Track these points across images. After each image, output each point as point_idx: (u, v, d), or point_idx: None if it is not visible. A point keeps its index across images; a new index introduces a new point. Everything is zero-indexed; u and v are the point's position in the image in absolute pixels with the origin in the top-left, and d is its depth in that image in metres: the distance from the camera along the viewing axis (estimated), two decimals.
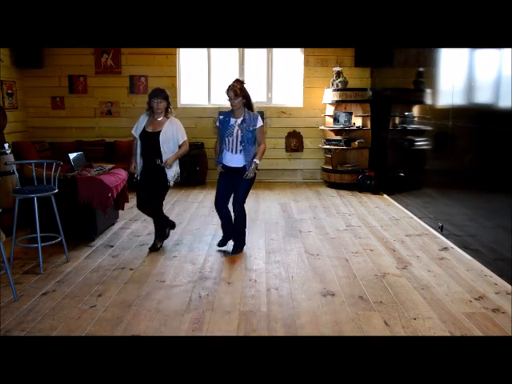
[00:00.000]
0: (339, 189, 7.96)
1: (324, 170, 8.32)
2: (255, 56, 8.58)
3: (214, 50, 8.49)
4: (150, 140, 4.44)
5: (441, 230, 5.15)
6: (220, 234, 4.87)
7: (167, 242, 5.00)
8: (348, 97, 7.97)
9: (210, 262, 4.44)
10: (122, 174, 5.55)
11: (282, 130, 8.55)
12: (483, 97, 4.41)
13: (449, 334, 3.07)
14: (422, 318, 3.28)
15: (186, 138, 4.57)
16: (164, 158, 4.44)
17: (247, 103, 4.37)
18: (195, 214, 6.29)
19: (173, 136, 4.47)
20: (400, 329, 3.13)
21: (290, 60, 8.60)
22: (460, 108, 4.81)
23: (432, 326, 3.18)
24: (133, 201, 6.76)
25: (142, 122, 4.51)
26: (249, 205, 6.76)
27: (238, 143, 4.36)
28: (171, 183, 4.58)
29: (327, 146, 8.16)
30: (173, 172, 4.58)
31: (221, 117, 4.47)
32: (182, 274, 4.13)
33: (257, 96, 8.60)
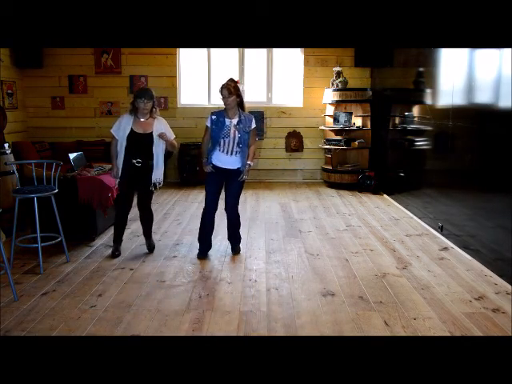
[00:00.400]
0: (339, 189, 7.96)
1: (324, 169, 8.32)
2: (255, 56, 8.58)
3: (213, 50, 8.49)
4: (141, 141, 4.34)
5: (441, 229, 5.15)
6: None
7: (167, 242, 5.01)
8: (348, 97, 7.97)
9: (210, 262, 4.44)
10: None
11: (282, 130, 8.55)
12: (483, 97, 4.41)
13: (449, 334, 3.07)
14: (421, 318, 3.28)
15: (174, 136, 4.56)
16: (155, 160, 4.39)
17: (240, 102, 4.30)
18: (195, 214, 6.28)
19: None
20: (400, 329, 3.13)
21: (290, 60, 8.60)
22: (460, 108, 4.80)
23: (432, 326, 3.18)
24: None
25: (127, 122, 4.35)
26: (249, 205, 6.77)
27: (235, 145, 4.28)
28: (153, 187, 4.49)
29: (327, 146, 8.16)
30: (158, 175, 4.47)
31: (213, 117, 4.32)
32: (182, 274, 4.13)
33: (257, 96, 8.62)
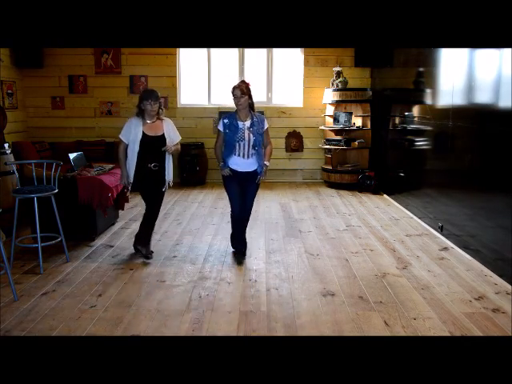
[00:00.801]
0: (339, 189, 7.96)
1: (324, 169, 8.32)
2: (255, 56, 8.58)
3: (213, 50, 8.49)
4: (155, 144, 4.27)
5: (441, 229, 5.15)
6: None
7: (167, 242, 5.01)
8: (348, 97, 7.97)
9: (210, 261, 4.44)
10: None
11: (282, 130, 8.55)
12: (483, 97, 4.41)
13: (449, 334, 3.07)
14: (421, 318, 3.28)
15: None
16: (167, 161, 4.37)
17: (251, 103, 4.27)
18: (195, 214, 6.28)
19: (170, 137, 4.39)
20: (400, 329, 3.13)
21: (290, 60, 8.60)
22: (460, 108, 4.80)
23: (432, 326, 3.18)
24: (133, 201, 6.79)
25: (137, 126, 4.25)
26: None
27: (251, 148, 4.23)
28: (166, 186, 4.46)
29: (327, 146, 8.16)
30: (170, 175, 4.45)
31: (225, 120, 4.23)
32: (182, 274, 4.13)
33: (257, 96, 8.60)
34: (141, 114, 4.30)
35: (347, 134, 8.06)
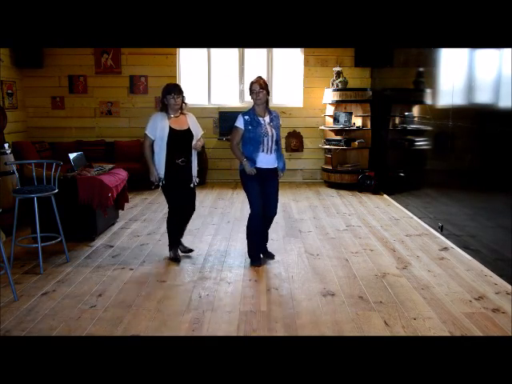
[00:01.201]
0: (339, 189, 7.96)
1: (324, 169, 8.32)
2: (255, 56, 8.58)
3: (213, 50, 8.49)
4: (182, 139, 4.22)
5: (441, 229, 5.15)
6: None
7: (167, 242, 5.00)
8: (348, 97, 7.97)
9: (210, 262, 4.44)
10: (122, 174, 5.54)
11: (282, 130, 8.40)
12: (483, 97, 4.41)
13: (449, 334, 3.07)
14: (421, 318, 3.28)
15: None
16: (193, 156, 4.32)
17: (268, 99, 4.25)
18: (195, 213, 6.27)
19: (195, 131, 4.34)
20: (400, 329, 3.13)
21: (290, 60, 8.60)
22: (460, 108, 4.80)
23: (432, 326, 3.18)
24: (133, 201, 6.79)
25: (163, 120, 4.17)
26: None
27: (273, 143, 4.20)
28: (195, 182, 4.40)
29: (327, 146, 8.16)
30: (195, 171, 4.39)
31: (246, 117, 4.16)
32: (182, 273, 4.13)
33: None
34: (164, 108, 4.24)
35: (347, 134, 8.06)
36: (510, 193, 3.83)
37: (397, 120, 6.92)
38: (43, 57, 8.20)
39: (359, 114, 8.09)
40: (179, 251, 4.54)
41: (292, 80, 8.64)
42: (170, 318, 3.29)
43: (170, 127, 4.18)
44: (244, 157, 4.18)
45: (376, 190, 7.61)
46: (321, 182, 8.59)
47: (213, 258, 4.52)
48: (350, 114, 8.01)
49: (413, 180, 6.29)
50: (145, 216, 6.12)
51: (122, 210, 5.80)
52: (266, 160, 4.21)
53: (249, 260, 4.45)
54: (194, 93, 8.62)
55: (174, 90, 4.17)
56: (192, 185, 4.38)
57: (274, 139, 4.20)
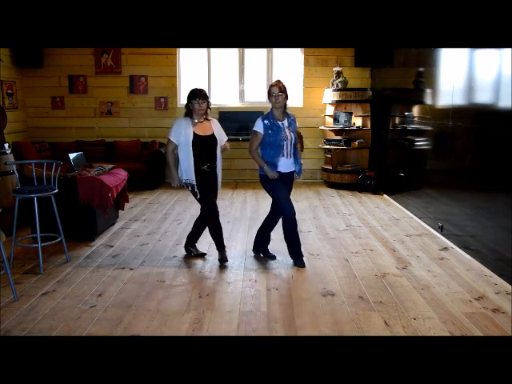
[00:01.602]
0: (339, 189, 7.96)
1: (324, 169, 8.32)
2: (255, 56, 8.58)
3: (214, 50, 8.49)
4: (206, 145, 4.19)
5: (441, 229, 5.15)
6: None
7: (167, 242, 5.01)
8: (348, 97, 7.97)
9: (210, 262, 4.44)
10: (122, 174, 5.55)
11: None
12: (483, 97, 4.41)
13: (449, 334, 3.07)
14: (422, 318, 3.28)
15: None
16: (218, 161, 4.28)
17: (286, 103, 4.22)
18: (195, 214, 6.26)
19: (219, 137, 4.31)
20: (400, 329, 3.13)
21: (290, 60, 8.60)
22: (460, 108, 4.80)
23: (432, 326, 3.18)
24: (133, 201, 6.79)
25: (187, 126, 4.15)
26: (249, 205, 6.77)
27: (292, 147, 4.19)
28: (219, 186, 4.38)
29: (327, 146, 8.16)
30: (220, 176, 4.36)
31: (266, 121, 4.13)
32: (182, 274, 4.13)
33: (257, 96, 8.61)
34: (189, 113, 4.22)
35: (347, 134, 8.06)
36: (510, 193, 3.83)
37: (397, 120, 6.92)
38: (43, 57, 8.20)
39: (359, 114, 8.09)
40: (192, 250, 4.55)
41: (292, 80, 8.63)
42: (169, 318, 3.29)
43: (194, 133, 4.15)
44: (264, 162, 4.15)
45: (376, 190, 7.61)
46: (321, 181, 8.59)
47: (213, 258, 4.52)
48: (350, 114, 8.01)
49: (413, 180, 6.29)
50: (145, 216, 6.12)
51: (122, 209, 5.80)
52: (285, 164, 4.20)
53: (249, 260, 4.45)
54: None
55: (200, 94, 4.15)
56: (219, 187, 4.37)
57: (293, 143, 4.20)
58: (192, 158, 4.12)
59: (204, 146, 4.18)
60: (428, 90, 5.74)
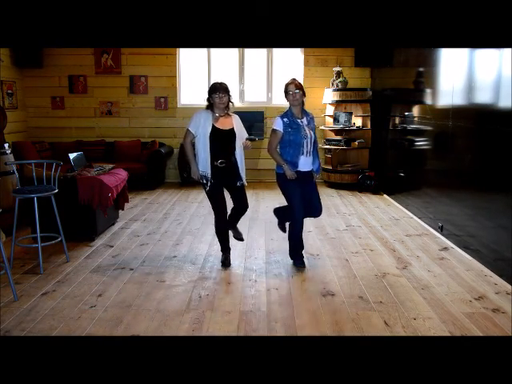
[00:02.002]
0: (339, 189, 7.96)
1: (324, 169, 8.32)
2: (255, 56, 8.58)
3: (213, 50, 8.49)
4: (224, 138, 4.12)
5: (441, 229, 5.15)
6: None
7: (167, 242, 5.01)
8: (348, 97, 7.97)
9: (210, 262, 4.44)
10: (122, 174, 5.54)
11: None
12: (483, 97, 4.41)
13: (449, 334, 3.07)
14: (421, 318, 3.28)
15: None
16: (239, 158, 4.19)
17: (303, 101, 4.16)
18: (195, 213, 6.28)
19: (239, 133, 4.24)
20: (400, 329, 3.13)
21: (290, 60, 8.60)
22: (460, 108, 4.80)
23: (432, 326, 3.18)
24: (133, 201, 6.79)
25: (207, 118, 4.08)
26: (249, 205, 6.76)
27: (312, 145, 4.14)
28: (244, 182, 4.27)
29: (327, 146, 8.16)
30: (243, 174, 4.25)
31: (285, 119, 4.09)
32: (182, 273, 4.13)
33: (257, 96, 8.62)
34: (210, 107, 4.14)
35: (347, 134, 8.06)
36: (510, 193, 3.83)
37: (397, 120, 6.92)
38: (43, 57, 8.20)
39: (359, 113, 8.09)
40: (229, 257, 4.40)
41: None
42: (169, 317, 3.29)
43: (213, 125, 4.08)
44: (284, 161, 4.10)
45: (376, 190, 7.61)
46: (321, 181, 8.59)
47: (213, 258, 4.52)
48: (350, 113, 8.01)
49: (413, 180, 6.29)
50: (145, 216, 6.12)
51: (122, 209, 5.80)
52: (305, 163, 4.14)
53: (249, 260, 4.46)
54: (194, 93, 8.64)
55: (220, 88, 4.06)
56: (239, 183, 4.24)
57: (313, 141, 4.14)
58: (209, 151, 4.06)
59: (222, 140, 4.11)
60: (428, 90, 5.74)
